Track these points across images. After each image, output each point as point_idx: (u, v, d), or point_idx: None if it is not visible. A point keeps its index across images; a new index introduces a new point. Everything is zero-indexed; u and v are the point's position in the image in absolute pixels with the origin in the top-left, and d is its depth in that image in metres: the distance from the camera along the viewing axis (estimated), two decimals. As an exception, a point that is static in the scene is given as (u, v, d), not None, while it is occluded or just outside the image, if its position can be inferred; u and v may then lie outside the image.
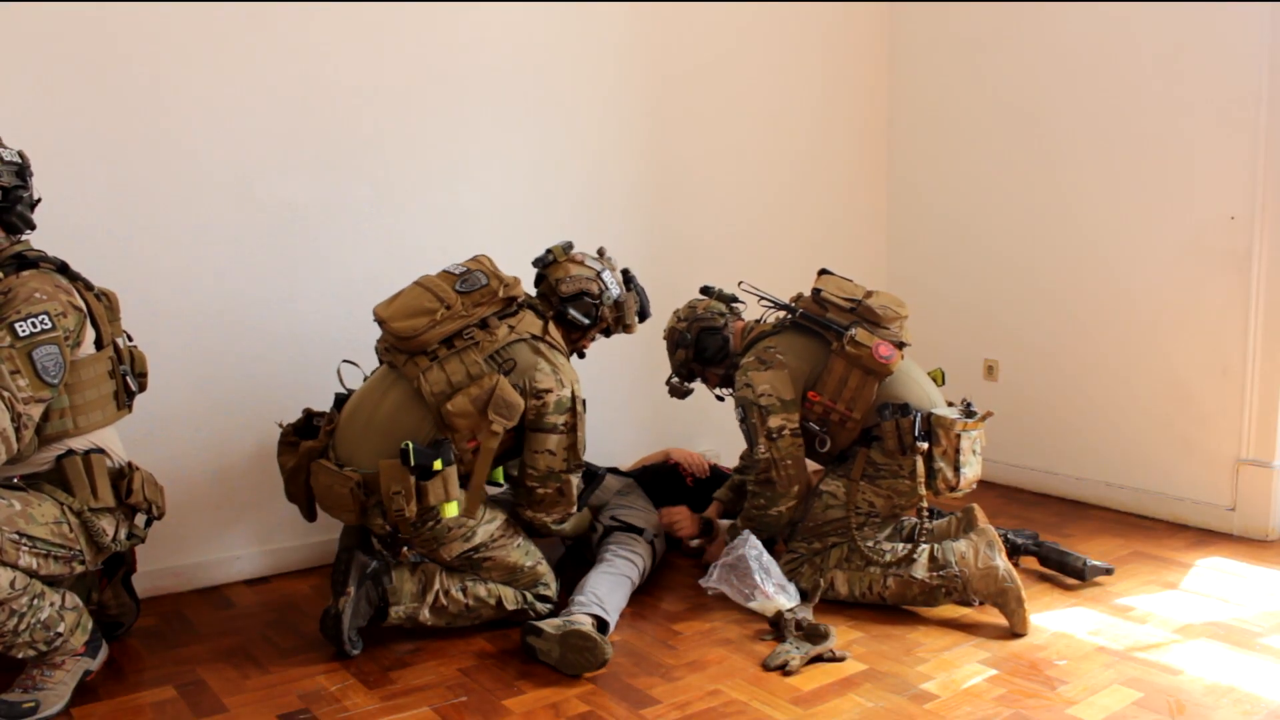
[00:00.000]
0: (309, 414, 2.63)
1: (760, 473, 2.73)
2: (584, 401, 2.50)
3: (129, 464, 2.24)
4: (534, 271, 2.70)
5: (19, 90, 2.51)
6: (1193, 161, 3.28)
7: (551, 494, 2.47)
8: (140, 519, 2.33)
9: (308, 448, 2.49)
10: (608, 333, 2.73)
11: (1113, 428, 3.58)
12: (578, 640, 2.22)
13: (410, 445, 2.27)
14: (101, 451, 2.15)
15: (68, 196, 2.58)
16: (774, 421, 2.68)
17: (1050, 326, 3.75)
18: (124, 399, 2.24)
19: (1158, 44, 3.34)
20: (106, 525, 2.14)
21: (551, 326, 2.56)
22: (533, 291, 2.71)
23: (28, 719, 2.02)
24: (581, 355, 2.78)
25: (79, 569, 2.10)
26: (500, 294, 2.47)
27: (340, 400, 2.60)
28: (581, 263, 2.64)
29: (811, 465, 2.77)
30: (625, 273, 2.78)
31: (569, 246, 2.68)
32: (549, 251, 2.65)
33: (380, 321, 2.43)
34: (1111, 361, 3.57)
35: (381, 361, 2.54)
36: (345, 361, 2.69)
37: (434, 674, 2.28)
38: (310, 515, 2.56)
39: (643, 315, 2.80)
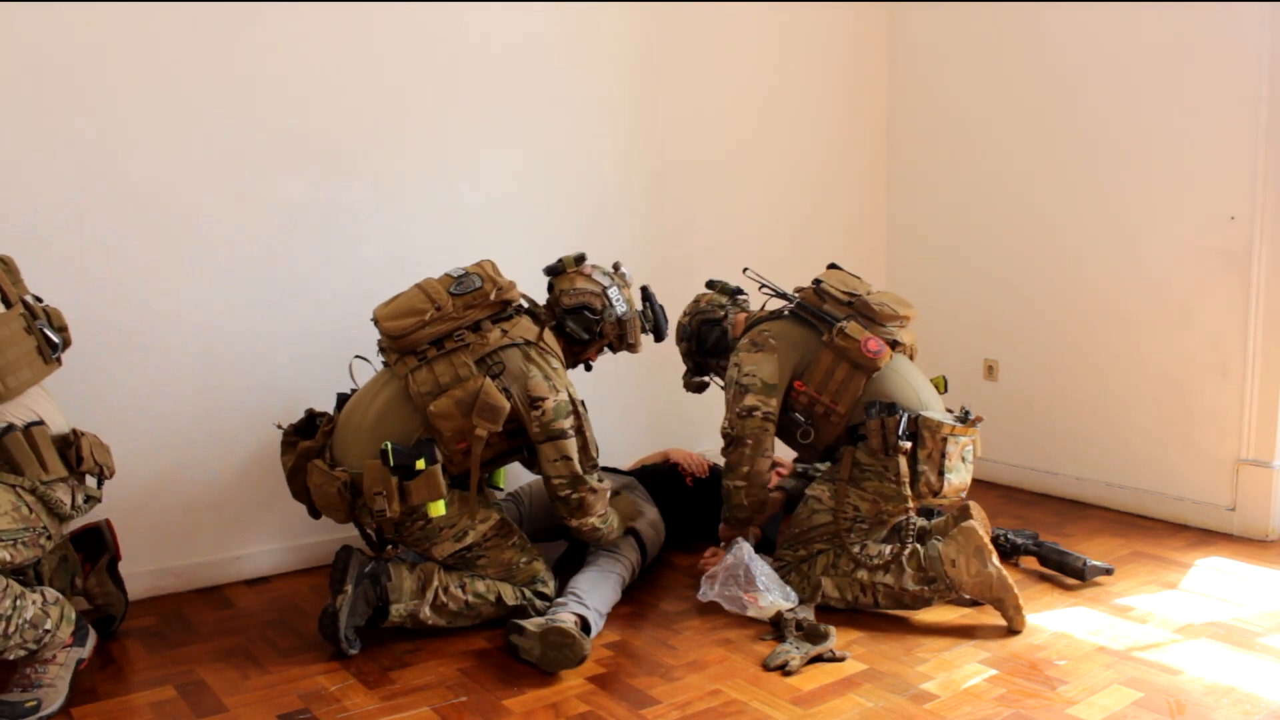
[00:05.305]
0: (311, 414, 2.64)
1: (723, 449, 2.77)
2: (582, 402, 2.50)
3: (74, 431, 2.19)
4: (545, 278, 2.73)
5: (19, 90, 2.51)
6: (1193, 161, 3.28)
7: (585, 496, 2.47)
8: (91, 481, 2.27)
9: (305, 447, 2.52)
10: (613, 349, 2.74)
11: (1113, 428, 3.58)
12: (556, 637, 2.22)
13: (390, 445, 2.30)
14: (40, 422, 2.09)
15: (68, 196, 2.58)
16: (748, 400, 2.69)
17: (1050, 326, 3.75)
18: (49, 353, 2.16)
19: (1158, 44, 3.34)
20: (62, 495, 2.11)
21: (547, 333, 2.55)
22: (541, 298, 2.73)
23: (31, 717, 2.02)
24: (588, 368, 2.79)
25: (49, 545, 2.08)
26: (493, 297, 2.48)
27: (342, 400, 2.62)
28: (590, 276, 2.66)
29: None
30: (644, 290, 2.80)
31: (581, 258, 2.69)
32: (560, 261, 2.68)
33: (375, 321, 2.47)
34: (1111, 361, 3.57)
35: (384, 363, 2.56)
36: (357, 357, 2.72)
37: (434, 674, 2.27)
38: (315, 514, 2.58)
39: (658, 335, 2.80)
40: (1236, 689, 2.17)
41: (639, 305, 2.77)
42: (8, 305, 2.11)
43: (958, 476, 2.59)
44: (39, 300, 2.27)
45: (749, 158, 3.91)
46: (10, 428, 2.03)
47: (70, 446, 2.15)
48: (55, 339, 2.21)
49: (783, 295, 2.86)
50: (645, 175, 3.65)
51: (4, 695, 2.05)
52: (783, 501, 3.08)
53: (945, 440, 2.55)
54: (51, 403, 2.20)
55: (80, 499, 2.18)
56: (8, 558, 1.96)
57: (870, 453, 2.61)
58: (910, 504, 2.56)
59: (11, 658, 2.01)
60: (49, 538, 2.07)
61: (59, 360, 2.21)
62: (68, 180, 2.58)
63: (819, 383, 2.67)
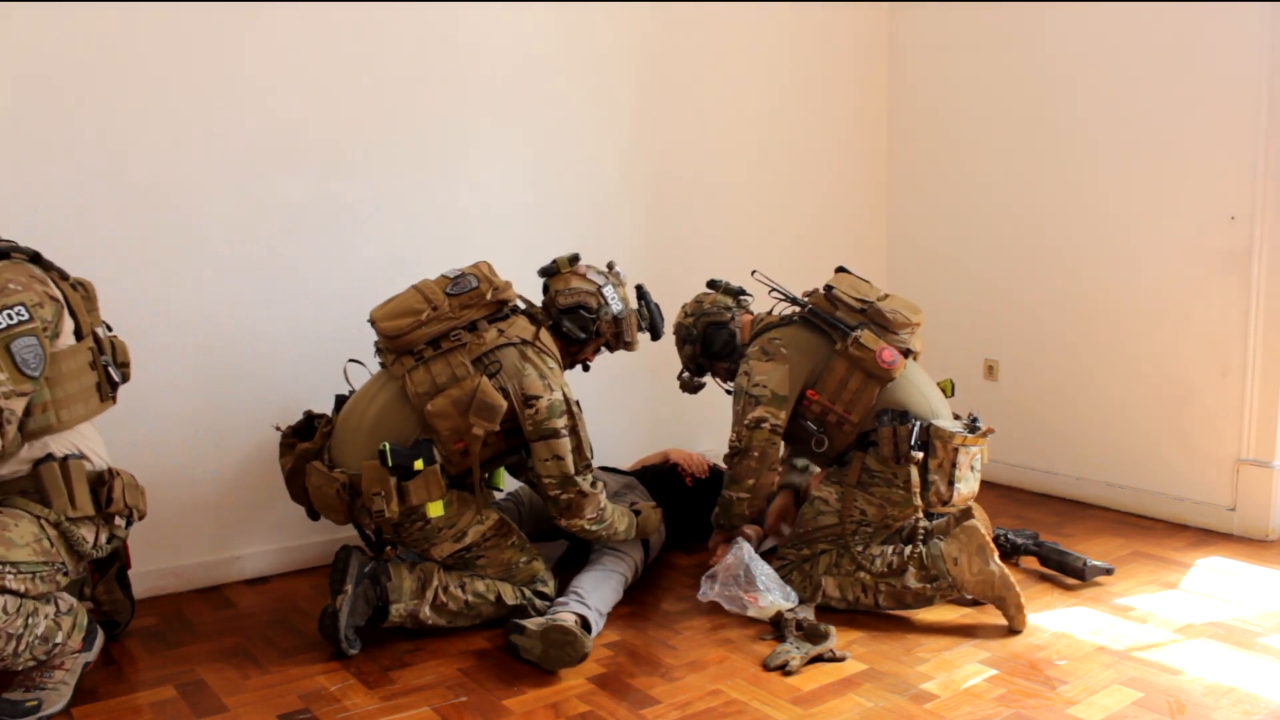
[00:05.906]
0: (309, 416, 2.64)
1: (727, 456, 2.75)
2: (578, 403, 2.50)
3: (110, 470, 2.16)
4: (539, 280, 2.71)
5: (19, 90, 2.51)
6: (1193, 161, 3.28)
7: (574, 497, 2.46)
8: (119, 520, 2.25)
9: (303, 449, 2.52)
10: (610, 348, 2.73)
11: (1113, 428, 3.58)
12: (557, 636, 2.22)
13: (388, 446, 2.30)
14: (81, 456, 2.09)
15: (70, 195, 2.58)
16: (757, 412, 2.67)
17: (1050, 326, 3.75)
18: (107, 390, 2.16)
19: (1157, 44, 3.34)
20: (86, 533, 2.08)
21: (544, 333, 2.55)
22: (538, 299, 2.73)
23: (31, 717, 2.02)
24: (585, 368, 2.78)
25: (64, 581, 2.05)
26: (489, 297, 2.48)
27: (340, 402, 2.62)
28: (584, 276, 2.65)
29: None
30: (639, 289, 2.78)
31: (575, 258, 2.68)
32: (554, 262, 2.67)
33: (371, 322, 2.47)
34: (1111, 362, 3.57)
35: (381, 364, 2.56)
36: (351, 360, 2.71)
37: (434, 674, 2.28)
38: (314, 515, 2.57)
39: (654, 334, 2.78)
40: (1236, 689, 2.17)
41: (634, 304, 2.76)
42: (79, 337, 2.09)
43: (967, 486, 2.59)
44: (109, 329, 2.25)
45: (749, 160, 3.91)
46: (49, 457, 2.02)
47: (103, 485, 2.12)
48: (116, 376, 2.19)
49: (793, 300, 2.84)
50: (644, 174, 3.65)
51: (6, 694, 2.05)
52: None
53: (956, 450, 2.53)
54: (96, 439, 2.18)
55: (104, 538, 2.15)
56: (23, 590, 1.93)
57: (881, 460, 2.60)
58: (918, 511, 2.56)
59: (20, 668, 2.00)
60: (66, 574, 2.05)
61: (114, 399, 2.20)
62: (68, 180, 2.58)
63: (832, 392, 2.65)
